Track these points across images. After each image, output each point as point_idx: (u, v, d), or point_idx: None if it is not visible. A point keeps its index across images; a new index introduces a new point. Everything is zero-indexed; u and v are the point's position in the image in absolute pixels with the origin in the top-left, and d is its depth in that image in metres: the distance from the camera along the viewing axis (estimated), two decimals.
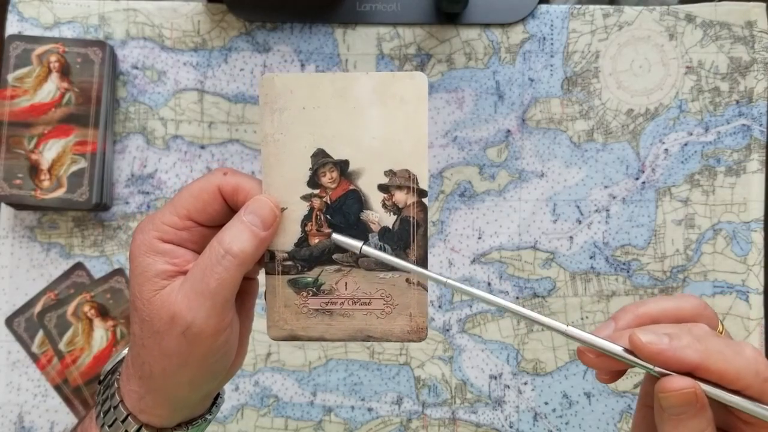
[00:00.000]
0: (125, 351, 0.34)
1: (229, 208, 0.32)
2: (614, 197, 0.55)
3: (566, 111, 0.55)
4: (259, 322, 0.49)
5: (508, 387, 0.54)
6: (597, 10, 0.55)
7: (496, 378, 0.54)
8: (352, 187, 0.32)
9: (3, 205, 0.55)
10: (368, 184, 0.32)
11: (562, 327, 0.30)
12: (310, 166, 0.32)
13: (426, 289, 0.33)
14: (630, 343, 0.28)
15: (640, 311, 0.30)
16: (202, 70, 0.56)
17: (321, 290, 0.33)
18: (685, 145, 0.55)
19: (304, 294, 0.33)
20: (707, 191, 0.54)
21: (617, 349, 0.28)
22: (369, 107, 0.31)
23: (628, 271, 0.54)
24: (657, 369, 0.27)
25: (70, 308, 0.54)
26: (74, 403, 0.54)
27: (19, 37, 0.53)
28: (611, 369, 0.31)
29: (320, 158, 0.32)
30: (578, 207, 0.55)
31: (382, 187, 0.32)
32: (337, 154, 0.32)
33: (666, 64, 0.55)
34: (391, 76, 0.31)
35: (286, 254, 0.33)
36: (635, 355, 0.28)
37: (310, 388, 0.54)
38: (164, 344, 0.30)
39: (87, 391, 0.54)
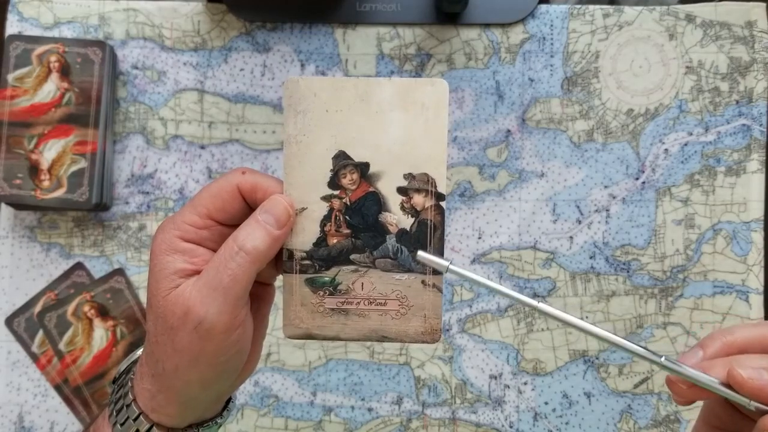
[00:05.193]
0: (140, 351, 0.34)
1: (249, 207, 0.32)
2: (614, 197, 0.55)
3: (566, 111, 0.55)
4: None
5: (508, 387, 0.54)
6: (597, 10, 0.55)
7: (496, 378, 0.54)
8: (371, 189, 0.33)
9: (3, 205, 0.55)
10: (387, 187, 0.33)
11: (657, 358, 0.30)
12: (331, 168, 0.33)
13: (441, 292, 0.33)
14: (729, 378, 0.28)
15: (728, 340, 0.30)
16: (202, 70, 0.56)
17: (337, 290, 0.33)
18: (685, 145, 0.55)
19: (321, 293, 0.33)
20: (707, 191, 0.54)
21: (713, 382, 0.29)
22: (390, 112, 0.32)
23: (628, 271, 0.54)
24: (753, 404, 0.28)
25: (70, 308, 0.54)
26: (74, 403, 0.54)
27: (19, 37, 0.53)
28: (699, 398, 0.31)
29: (341, 160, 0.33)
30: (578, 207, 0.55)
31: (401, 190, 0.33)
32: (358, 157, 0.33)
33: (666, 64, 0.55)
34: (413, 82, 0.32)
35: (305, 253, 0.33)
36: (730, 388, 0.28)
37: (310, 388, 0.54)
38: (177, 340, 0.30)
39: (87, 390, 0.54)
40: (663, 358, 0.29)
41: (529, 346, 0.54)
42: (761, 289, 0.54)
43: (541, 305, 0.31)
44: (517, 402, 0.54)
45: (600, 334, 0.30)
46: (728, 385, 0.28)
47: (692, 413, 0.54)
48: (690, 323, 0.54)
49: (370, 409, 0.54)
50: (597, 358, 0.54)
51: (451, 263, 0.32)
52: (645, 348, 0.30)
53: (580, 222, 0.55)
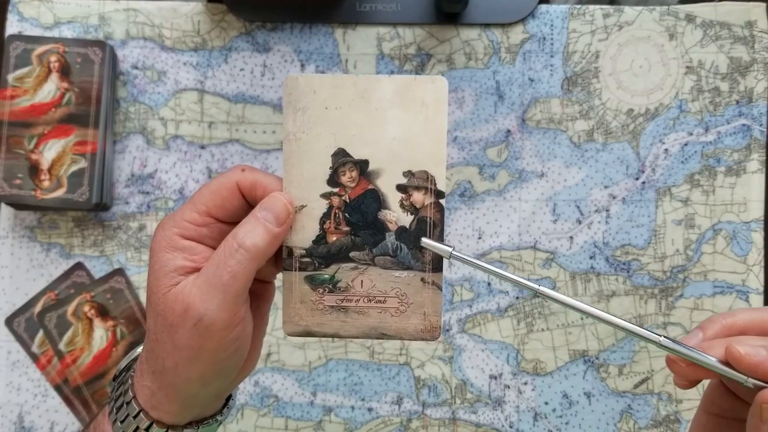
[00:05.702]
0: (140, 348, 0.34)
1: (249, 205, 0.32)
2: (614, 197, 0.55)
3: (566, 111, 0.55)
4: None
5: (508, 387, 0.54)
6: (597, 10, 0.55)
7: (496, 378, 0.54)
8: (370, 186, 0.33)
9: (3, 205, 0.55)
10: (387, 184, 0.33)
11: (656, 337, 0.30)
12: (331, 165, 0.33)
13: (440, 289, 0.33)
14: (727, 354, 0.28)
15: (727, 322, 0.31)
16: (202, 70, 0.56)
17: (337, 287, 0.33)
18: (685, 145, 0.55)
19: (320, 291, 0.33)
20: (707, 191, 0.54)
21: (711, 360, 0.29)
22: (390, 109, 0.32)
23: (628, 271, 0.54)
24: (751, 381, 0.28)
25: (70, 308, 0.54)
26: (74, 403, 0.54)
27: (19, 37, 0.53)
28: (699, 378, 0.31)
29: (341, 157, 0.33)
30: (578, 207, 0.55)
31: (401, 188, 0.33)
32: (357, 154, 0.33)
33: (666, 64, 0.55)
34: (412, 80, 0.32)
35: (304, 251, 0.33)
36: (728, 366, 0.29)
37: (310, 388, 0.54)
38: (177, 337, 0.30)
39: (87, 391, 0.54)
40: (662, 338, 0.30)
41: (529, 346, 0.54)
42: (761, 289, 0.54)
43: (543, 288, 0.31)
44: (517, 402, 0.54)
45: (600, 315, 0.30)
46: (727, 364, 0.29)
47: (692, 413, 0.54)
48: (690, 323, 0.54)
49: (370, 409, 0.54)
50: (597, 358, 0.54)
51: (453, 249, 0.32)
52: (645, 328, 0.30)
53: (580, 222, 0.55)
